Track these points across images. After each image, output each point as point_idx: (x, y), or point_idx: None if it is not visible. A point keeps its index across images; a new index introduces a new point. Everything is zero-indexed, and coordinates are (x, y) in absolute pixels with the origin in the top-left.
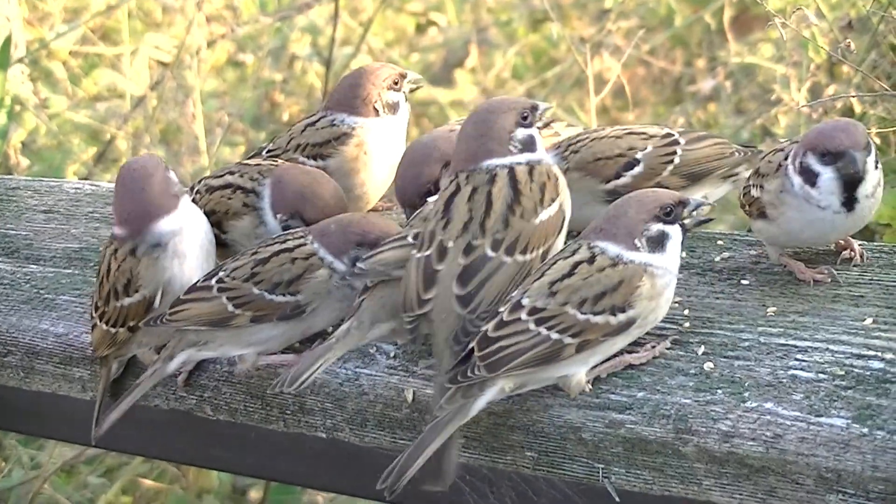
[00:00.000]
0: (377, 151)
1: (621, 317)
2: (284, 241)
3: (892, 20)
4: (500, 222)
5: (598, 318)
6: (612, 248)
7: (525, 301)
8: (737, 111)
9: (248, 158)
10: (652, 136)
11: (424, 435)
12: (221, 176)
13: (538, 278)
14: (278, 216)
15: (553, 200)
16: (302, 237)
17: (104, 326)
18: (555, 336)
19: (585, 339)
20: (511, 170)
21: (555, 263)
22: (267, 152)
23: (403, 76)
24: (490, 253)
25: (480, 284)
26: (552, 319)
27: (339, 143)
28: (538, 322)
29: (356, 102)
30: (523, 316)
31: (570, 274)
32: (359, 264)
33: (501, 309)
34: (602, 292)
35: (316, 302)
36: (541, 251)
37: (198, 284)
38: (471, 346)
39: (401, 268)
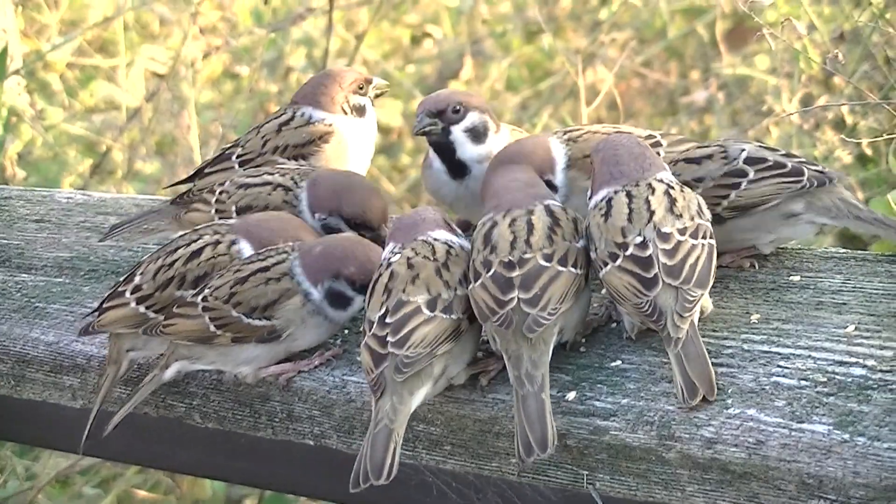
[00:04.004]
0: (355, 150)
1: None
2: (265, 259)
3: (884, 32)
4: (545, 239)
5: None
6: None
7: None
8: (732, 122)
9: (214, 162)
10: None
11: None
12: (259, 175)
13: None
14: (316, 215)
15: (582, 237)
16: (285, 254)
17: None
18: None
19: None
20: (548, 206)
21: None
22: (237, 157)
23: (369, 81)
24: (543, 263)
25: (544, 287)
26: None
27: (323, 141)
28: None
29: (324, 100)
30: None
31: None
32: (403, 354)
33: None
34: None
35: (291, 328)
36: (586, 271)
37: (188, 300)
38: None
39: (443, 342)
